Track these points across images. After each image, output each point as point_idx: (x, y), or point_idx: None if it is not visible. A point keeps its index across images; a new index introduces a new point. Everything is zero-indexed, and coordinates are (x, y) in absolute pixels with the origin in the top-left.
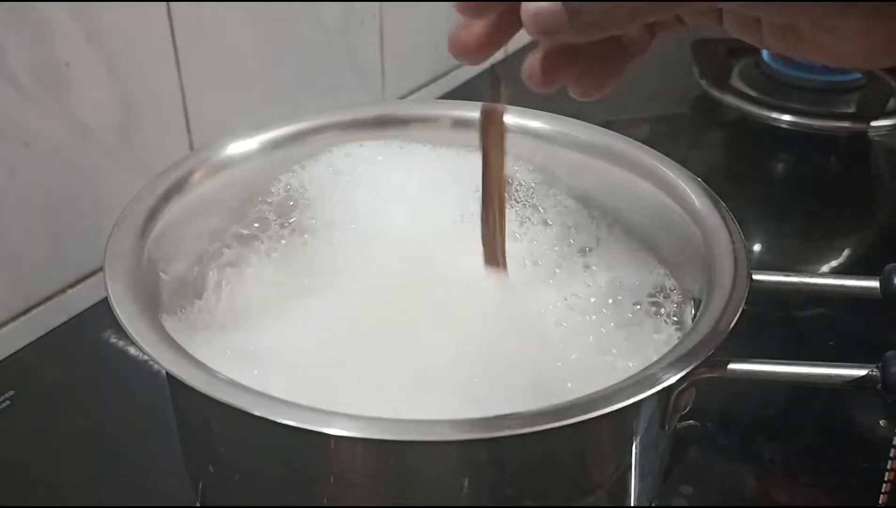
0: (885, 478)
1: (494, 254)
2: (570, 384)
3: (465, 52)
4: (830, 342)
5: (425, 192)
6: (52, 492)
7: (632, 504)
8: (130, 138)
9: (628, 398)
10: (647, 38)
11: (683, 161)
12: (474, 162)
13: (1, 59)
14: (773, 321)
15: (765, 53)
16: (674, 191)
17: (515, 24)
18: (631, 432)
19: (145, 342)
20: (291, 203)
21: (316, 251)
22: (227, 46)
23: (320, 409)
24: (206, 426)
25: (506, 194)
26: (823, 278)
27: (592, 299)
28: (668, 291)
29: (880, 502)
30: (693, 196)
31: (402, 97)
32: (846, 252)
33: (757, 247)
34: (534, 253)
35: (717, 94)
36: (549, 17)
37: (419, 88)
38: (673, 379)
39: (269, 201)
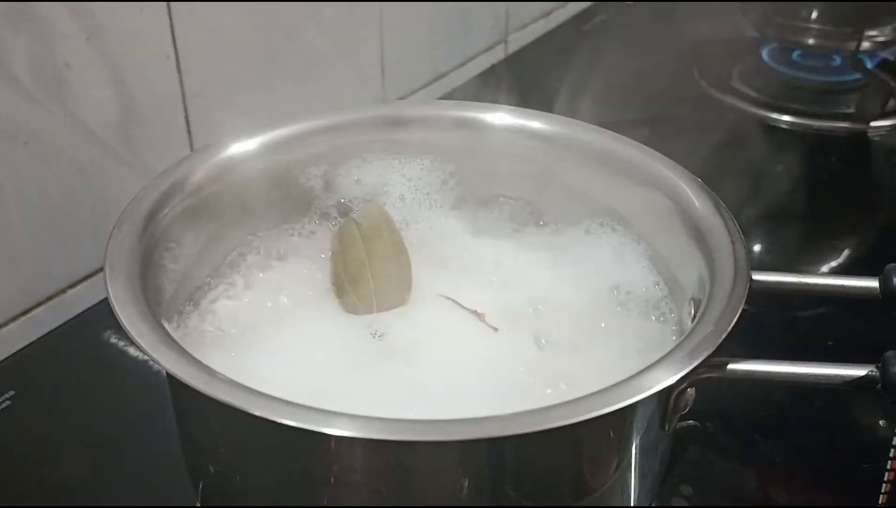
0: (885, 478)
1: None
2: (568, 386)
3: None
4: (830, 342)
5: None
6: (52, 492)
7: (632, 504)
8: (130, 138)
9: (628, 397)
10: None
11: (683, 161)
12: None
13: (1, 59)
14: (772, 321)
15: (765, 53)
16: (674, 191)
17: None
18: (631, 432)
19: (146, 343)
20: (292, 209)
21: (316, 260)
22: (227, 46)
23: (320, 409)
24: (207, 426)
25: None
26: (823, 278)
27: (592, 300)
28: (668, 291)
29: (880, 502)
30: (693, 196)
31: (402, 97)
32: (846, 252)
33: (757, 247)
34: (533, 253)
35: (717, 94)
36: None
37: (419, 88)
38: (673, 379)
39: (272, 205)
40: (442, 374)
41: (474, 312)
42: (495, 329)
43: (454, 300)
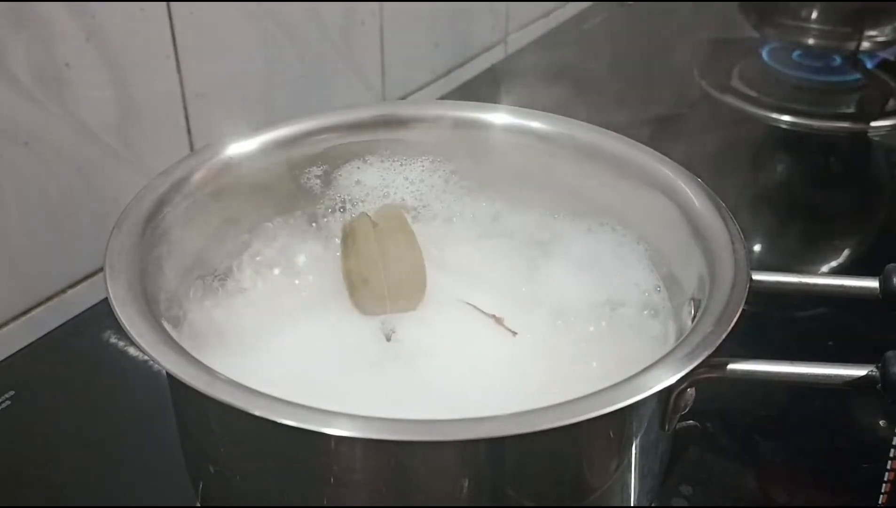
0: (885, 478)
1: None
2: (569, 385)
3: None
4: (830, 342)
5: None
6: (52, 492)
7: (632, 504)
8: (130, 138)
9: (629, 398)
10: None
11: (683, 161)
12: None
13: (1, 59)
14: (772, 321)
15: (765, 53)
16: (674, 191)
17: None
18: (631, 432)
19: (146, 343)
20: (292, 209)
21: (316, 261)
22: (227, 46)
23: (320, 409)
24: (206, 426)
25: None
26: (823, 278)
27: (592, 300)
28: (668, 291)
29: (880, 502)
30: (693, 196)
31: (402, 97)
32: (846, 252)
33: (757, 247)
34: (532, 253)
35: (717, 94)
36: None
37: (419, 88)
38: (673, 379)
39: (271, 206)
40: (447, 376)
41: (493, 316)
42: (514, 333)
43: (473, 305)
